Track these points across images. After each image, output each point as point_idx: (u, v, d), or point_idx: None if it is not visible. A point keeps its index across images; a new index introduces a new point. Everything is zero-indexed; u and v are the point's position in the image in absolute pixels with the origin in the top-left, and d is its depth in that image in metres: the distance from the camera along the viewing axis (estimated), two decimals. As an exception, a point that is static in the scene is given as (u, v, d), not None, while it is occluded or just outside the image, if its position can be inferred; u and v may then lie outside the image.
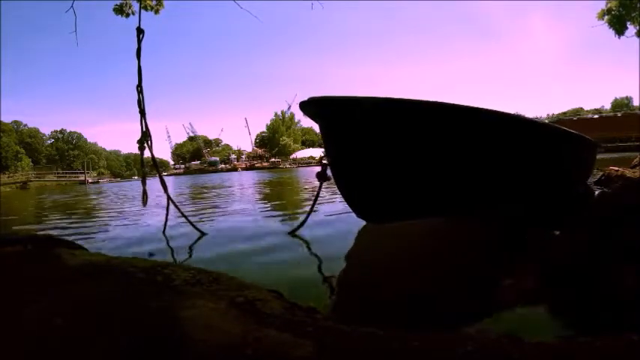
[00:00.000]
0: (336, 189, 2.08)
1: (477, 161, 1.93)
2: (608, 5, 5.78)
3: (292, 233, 2.30)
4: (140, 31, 2.66)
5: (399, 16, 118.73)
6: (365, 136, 1.66)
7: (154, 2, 3.51)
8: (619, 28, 5.74)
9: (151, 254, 1.92)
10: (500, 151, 2.03)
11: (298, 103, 1.79)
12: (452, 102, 1.78)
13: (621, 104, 53.74)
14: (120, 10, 3.47)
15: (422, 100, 1.70)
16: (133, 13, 3.47)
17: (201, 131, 72.84)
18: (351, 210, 1.90)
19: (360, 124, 1.65)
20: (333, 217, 2.93)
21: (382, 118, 1.67)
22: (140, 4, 2.93)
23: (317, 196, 2.40)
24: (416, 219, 2.06)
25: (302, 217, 2.49)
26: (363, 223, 2.22)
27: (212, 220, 3.21)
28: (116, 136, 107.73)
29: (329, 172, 2.01)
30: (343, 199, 1.94)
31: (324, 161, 2.07)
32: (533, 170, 2.40)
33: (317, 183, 2.27)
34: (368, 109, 1.64)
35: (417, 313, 1.13)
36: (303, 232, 2.33)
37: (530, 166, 2.34)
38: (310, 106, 1.72)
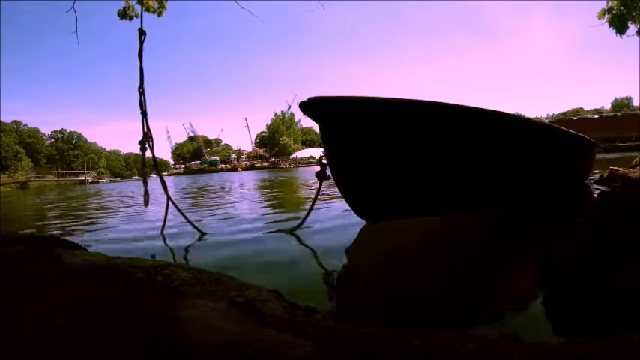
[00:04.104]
0: (336, 188, 2.09)
1: (475, 160, 1.94)
2: (609, 4, 5.78)
3: (292, 232, 2.31)
4: (142, 33, 2.66)
5: (399, 16, 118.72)
6: (363, 136, 1.67)
7: (157, 5, 3.51)
8: (620, 28, 5.73)
9: (152, 256, 1.92)
10: (498, 151, 2.03)
11: (298, 103, 1.79)
12: (451, 102, 1.79)
13: (621, 104, 53.73)
14: (123, 14, 3.47)
15: (420, 99, 1.71)
16: (136, 16, 3.47)
17: (201, 131, 72.91)
18: (350, 209, 1.90)
19: (359, 123, 1.65)
20: (333, 216, 2.93)
21: (380, 117, 1.67)
22: (142, 7, 2.94)
23: (317, 195, 2.41)
24: (415, 217, 2.07)
25: (302, 216, 2.49)
26: (363, 222, 2.22)
27: (212, 219, 3.21)
28: (116, 136, 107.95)
29: (328, 171, 2.02)
30: (343, 199, 1.94)
31: (324, 161, 2.08)
32: (533, 170, 2.40)
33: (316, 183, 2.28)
34: (366, 109, 1.65)
35: (417, 312, 1.13)
36: (302, 231, 2.33)
37: (529, 166, 2.34)
38: (310, 106, 1.73)
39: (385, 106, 1.68)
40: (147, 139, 2.61)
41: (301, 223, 2.39)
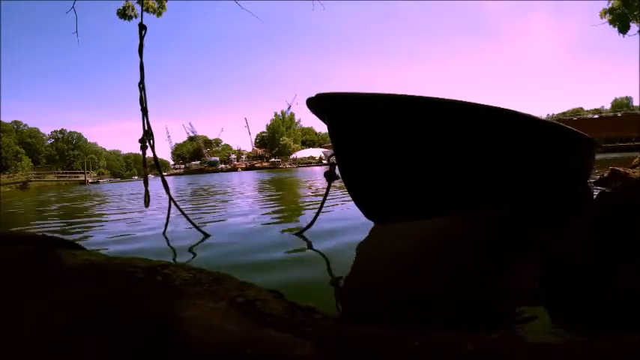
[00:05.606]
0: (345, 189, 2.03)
1: (482, 160, 1.91)
2: (611, 4, 5.78)
3: (299, 234, 2.27)
4: (142, 27, 2.60)
5: (400, 16, 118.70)
6: (372, 134, 1.62)
7: (156, 5, 3.51)
8: (622, 27, 5.73)
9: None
10: (505, 150, 2.00)
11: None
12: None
13: (621, 104, 53.78)
14: (123, 14, 3.46)
15: (430, 97, 1.64)
16: (136, 16, 3.47)
17: (201, 131, 73.11)
18: (359, 210, 1.85)
19: (368, 121, 1.59)
20: (341, 217, 2.89)
21: (390, 115, 1.62)
22: (142, 7, 2.94)
23: (325, 196, 2.33)
24: (424, 219, 2.02)
25: (305, 217, 2.46)
26: (372, 223, 2.14)
27: (214, 220, 3.21)
28: (116, 136, 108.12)
29: (337, 171, 1.96)
30: (351, 199, 1.89)
31: (333, 160, 2.00)
32: (536, 169, 2.39)
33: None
34: (375, 106, 1.59)
35: (418, 313, 1.13)
36: (310, 232, 2.28)
37: (533, 165, 2.32)
38: (316, 103, 1.65)
39: (395, 103, 1.62)
40: (147, 137, 2.55)
41: (310, 225, 2.32)
